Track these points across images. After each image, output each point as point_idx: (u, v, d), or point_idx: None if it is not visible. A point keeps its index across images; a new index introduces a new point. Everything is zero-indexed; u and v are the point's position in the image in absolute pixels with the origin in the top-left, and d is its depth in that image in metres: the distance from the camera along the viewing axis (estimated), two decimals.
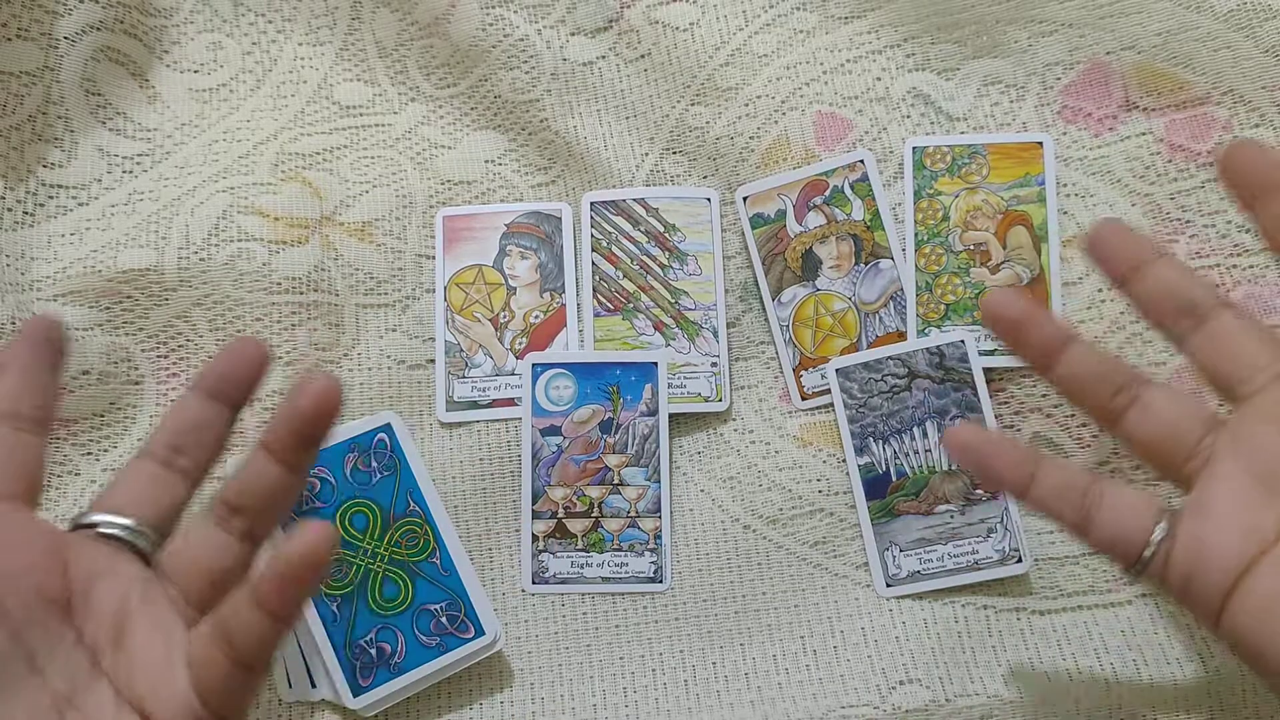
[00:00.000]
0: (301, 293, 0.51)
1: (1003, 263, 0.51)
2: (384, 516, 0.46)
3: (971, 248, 0.51)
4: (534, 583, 0.48)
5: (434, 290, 0.53)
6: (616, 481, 0.49)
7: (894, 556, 0.48)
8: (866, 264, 0.52)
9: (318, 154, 0.54)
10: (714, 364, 0.51)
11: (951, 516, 0.48)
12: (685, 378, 0.51)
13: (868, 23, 0.55)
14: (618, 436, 0.50)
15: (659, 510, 0.49)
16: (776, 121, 0.54)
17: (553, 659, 0.47)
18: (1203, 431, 0.35)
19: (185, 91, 0.54)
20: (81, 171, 0.52)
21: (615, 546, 0.48)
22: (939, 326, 0.51)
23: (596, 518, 0.49)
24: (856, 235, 0.52)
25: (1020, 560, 0.47)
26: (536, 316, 0.52)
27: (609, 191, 0.53)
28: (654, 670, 0.46)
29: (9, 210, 0.50)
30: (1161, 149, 0.52)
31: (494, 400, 0.51)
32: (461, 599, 0.45)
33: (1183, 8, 0.53)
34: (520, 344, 0.51)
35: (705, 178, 0.54)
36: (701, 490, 0.50)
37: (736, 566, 0.48)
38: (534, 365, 0.50)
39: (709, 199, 0.53)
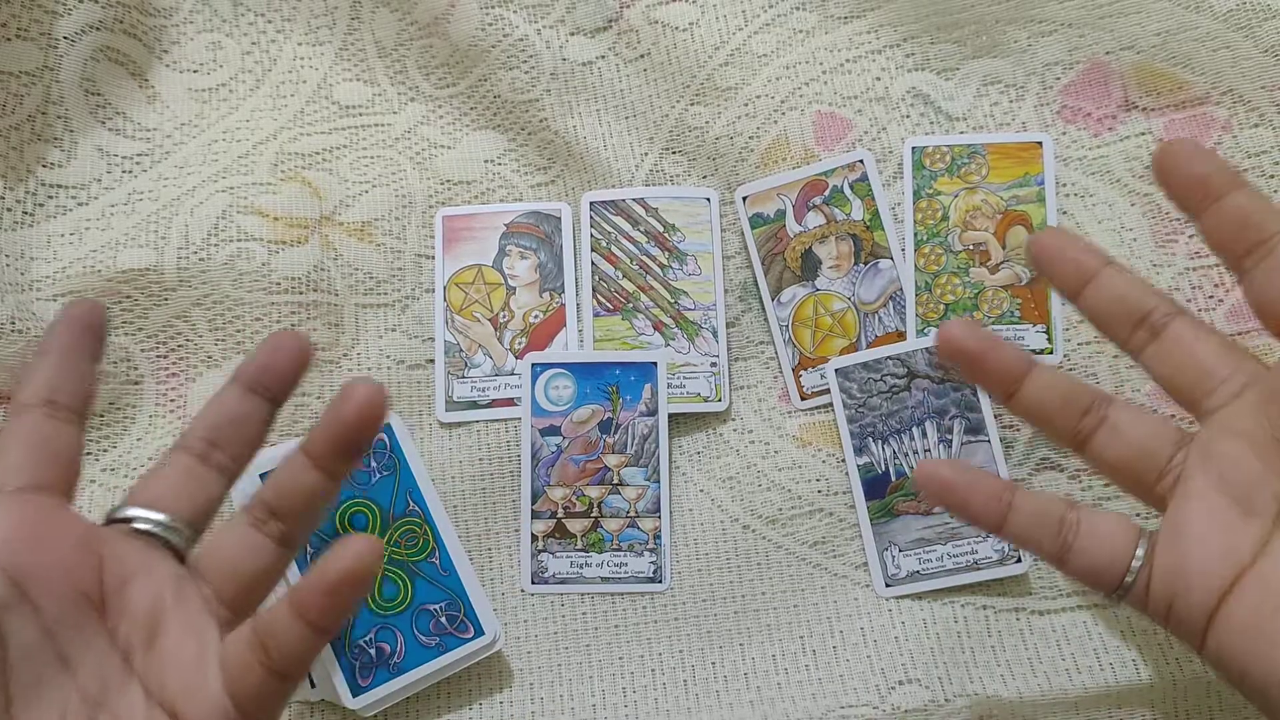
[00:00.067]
0: (301, 293, 0.51)
1: (1002, 263, 0.51)
2: (383, 516, 0.46)
3: (971, 248, 0.51)
4: (533, 583, 0.48)
5: (433, 290, 0.53)
6: (616, 481, 0.49)
7: (893, 556, 0.48)
8: (866, 264, 0.52)
9: (317, 154, 0.54)
10: (713, 364, 0.51)
11: (950, 516, 0.48)
12: (685, 378, 0.51)
13: (867, 23, 0.55)
14: (617, 436, 0.50)
15: (658, 510, 0.49)
16: (776, 121, 0.54)
17: (552, 659, 0.47)
18: (1172, 449, 0.34)
19: (185, 91, 0.54)
20: (81, 171, 0.52)
21: (615, 546, 0.49)
22: (938, 326, 0.51)
23: (596, 518, 0.49)
24: (856, 235, 0.52)
25: (1019, 560, 0.47)
26: (536, 316, 0.52)
27: (608, 191, 0.53)
28: (653, 670, 0.46)
29: (9, 210, 0.50)
30: None
31: (493, 400, 0.51)
32: (461, 599, 0.45)
33: (1182, 8, 0.53)
34: (520, 344, 0.52)
35: (705, 178, 0.54)
36: (701, 490, 0.50)
37: (736, 566, 0.48)
38: (533, 365, 0.50)
39: (708, 199, 0.53)
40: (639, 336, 0.51)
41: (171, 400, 0.50)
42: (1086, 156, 0.52)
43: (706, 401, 0.51)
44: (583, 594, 0.48)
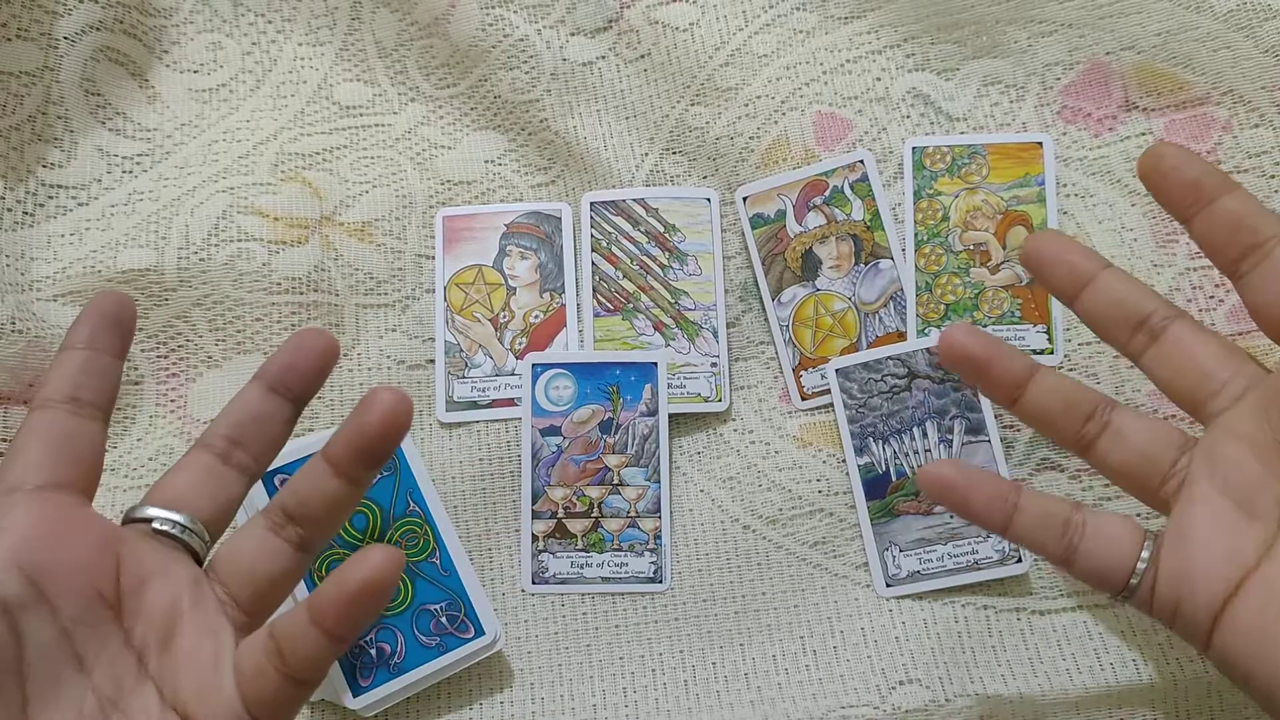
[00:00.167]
0: (301, 293, 0.51)
1: (1002, 263, 0.51)
2: (384, 517, 0.46)
3: (971, 248, 0.51)
4: (534, 583, 0.48)
5: (434, 290, 0.53)
6: (616, 481, 0.49)
7: (894, 556, 0.48)
8: (866, 264, 0.52)
9: (318, 154, 0.54)
10: (714, 364, 0.51)
11: (951, 516, 0.48)
12: (685, 378, 0.51)
13: (867, 23, 0.55)
14: (617, 436, 0.50)
15: (659, 510, 0.49)
16: (776, 122, 0.54)
17: (552, 659, 0.47)
18: (1176, 454, 0.34)
19: (185, 91, 0.54)
20: (81, 171, 0.52)
21: (615, 546, 0.48)
22: (939, 326, 0.51)
23: (596, 518, 0.49)
24: (856, 235, 0.52)
25: (1020, 560, 0.47)
26: (536, 316, 0.52)
27: (609, 191, 0.53)
28: (654, 670, 0.46)
29: (9, 210, 0.50)
30: None
31: (494, 400, 0.51)
32: (461, 599, 0.45)
33: (1183, 8, 0.53)
34: (520, 344, 0.51)
35: (705, 178, 0.54)
36: (701, 490, 0.50)
37: (736, 567, 0.48)
38: (534, 365, 0.50)
39: (709, 199, 0.53)
40: (639, 337, 0.51)
41: (171, 400, 0.50)
42: (1087, 157, 0.52)
43: (707, 402, 0.51)
44: (583, 594, 0.48)
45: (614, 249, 0.52)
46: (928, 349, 0.49)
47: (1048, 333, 0.50)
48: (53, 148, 0.52)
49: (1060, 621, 0.46)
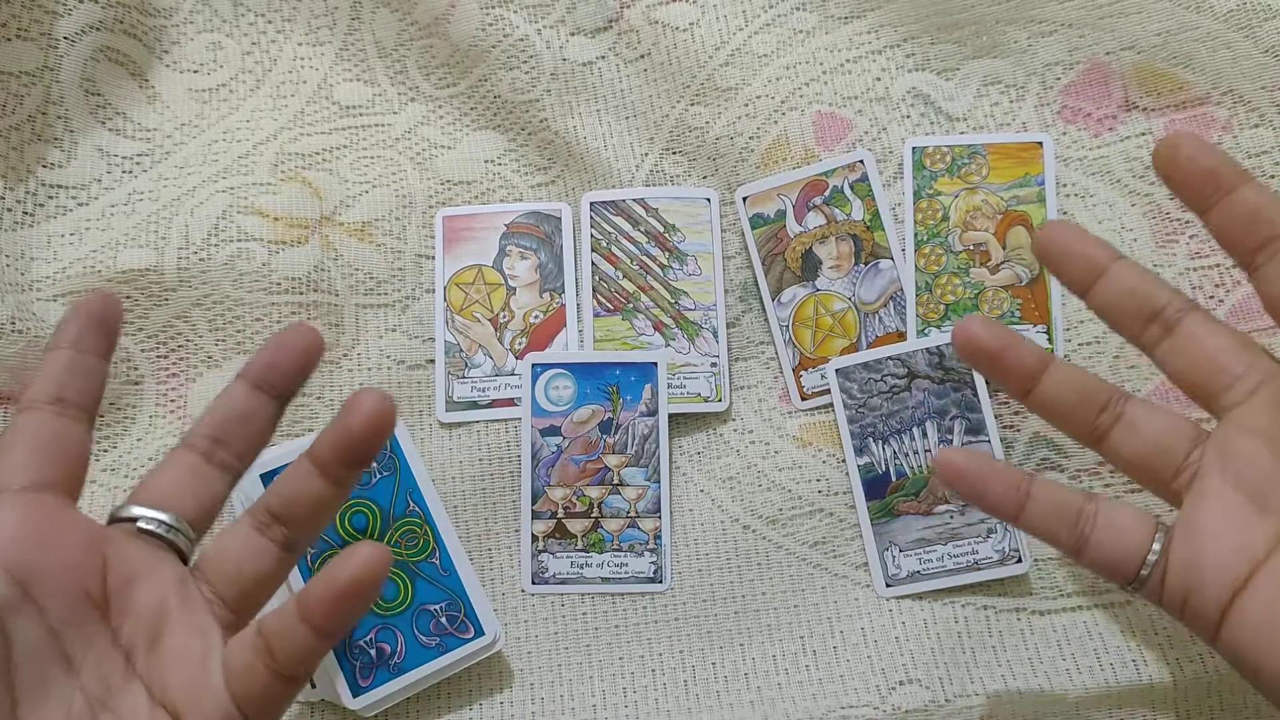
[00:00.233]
0: (301, 293, 0.51)
1: (1002, 263, 0.51)
2: (384, 517, 0.46)
3: (971, 248, 0.51)
4: (534, 583, 0.48)
5: (434, 290, 0.53)
6: (616, 482, 0.49)
7: (894, 556, 0.48)
8: (866, 264, 0.52)
9: (318, 154, 0.54)
10: (714, 364, 0.51)
11: (951, 517, 0.48)
12: (685, 378, 0.51)
13: (867, 23, 0.55)
14: (617, 437, 0.50)
15: (659, 510, 0.49)
16: (776, 121, 0.54)
17: (552, 659, 0.47)
18: (1189, 446, 0.34)
19: (185, 91, 0.54)
20: (81, 171, 0.52)
21: (615, 547, 0.48)
22: (939, 327, 0.51)
23: (596, 518, 0.49)
24: (856, 235, 0.52)
25: (1020, 560, 0.47)
26: (536, 316, 0.52)
27: (609, 191, 0.53)
28: (654, 670, 0.46)
29: (9, 210, 0.50)
30: None
31: (494, 400, 0.51)
32: (461, 599, 0.45)
33: (1183, 8, 0.53)
34: (520, 344, 0.51)
35: (705, 178, 0.54)
36: (701, 490, 0.50)
37: (736, 567, 0.48)
38: (534, 365, 0.50)
39: (709, 199, 0.53)
40: (639, 337, 0.51)
41: (171, 400, 0.50)
42: (1087, 157, 0.52)
43: (707, 402, 0.51)
44: (583, 594, 0.48)
45: (614, 249, 0.52)
46: (927, 349, 0.49)
47: (1048, 333, 0.50)
48: (53, 148, 0.52)
49: (1060, 621, 0.46)
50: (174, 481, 0.34)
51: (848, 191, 0.52)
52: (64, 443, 0.32)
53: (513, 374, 0.51)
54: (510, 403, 0.51)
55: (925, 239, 0.52)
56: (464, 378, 0.51)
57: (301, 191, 0.52)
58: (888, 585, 0.47)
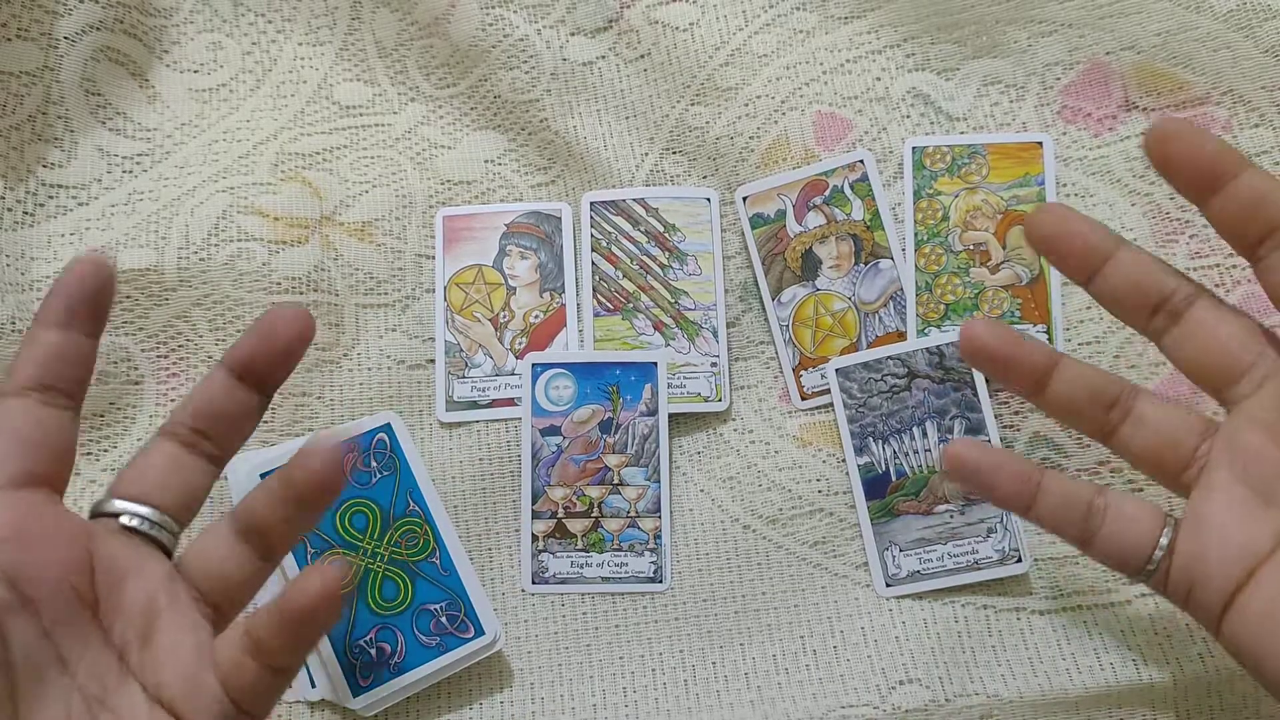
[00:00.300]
0: (301, 293, 0.51)
1: (1002, 263, 0.51)
2: (384, 516, 0.46)
3: (971, 248, 0.51)
4: (534, 583, 0.48)
5: (434, 290, 0.53)
6: (616, 481, 0.49)
7: (894, 556, 0.48)
8: (866, 264, 0.52)
9: (318, 154, 0.54)
10: (714, 364, 0.51)
11: (951, 516, 0.48)
12: (685, 378, 0.51)
13: (867, 23, 0.55)
14: (617, 436, 0.50)
15: (659, 510, 0.49)
16: (776, 121, 0.54)
17: (553, 659, 0.47)
18: (1198, 440, 0.34)
19: (185, 91, 0.54)
20: (81, 171, 0.52)
21: (615, 546, 0.48)
22: (939, 326, 0.51)
23: (596, 518, 0.49)
24: (856, 235, 0.52)
25: (1020, 560, 0.47)
26: (536, 316, 0.52)
27: (609, 191, 0.53)
28: (654, 670, 0.46)
29: (9, 210, 0.50)
30: None
31: (494, 400, 0.51)
32: (461, 599, 0.45)
33: (1183, 8, 0.53)
34: (520, 344, 0.51)
35: (705, 178, 0.54)
36: (701, 490, 0.50)
37: (736, 566, 0.48)
38: (534, 365, 0.50)
39: (709, 199, 0.53)
40: (639, 336, 0.51)
41: (171, 400, 0.50)
42: (1087, 157, 0.52)
43: (707, 401, 0.51)
44: (583, 594, 0.48)
45: (614, 249, 0.52)
46: (927, 348, 0.49)
47: (1048, 332, 0.50)
48: (53, 148, 0.52)
49: (1060, 621, 0.46)
50: (154, 472, 0.33)
51: (848, 191, 0.52)
52: (50, 434, 0.31)
53: (513, 374, 0.51)
54: (510, 402, 0.51)
55: (925, 239, 0.52)
56: (464, 377, 0.51)
57: (301, 191, 0.52)
58: (888, 585, 0.47)
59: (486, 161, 0.55)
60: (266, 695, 0.31)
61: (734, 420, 0.51)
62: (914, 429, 0.49)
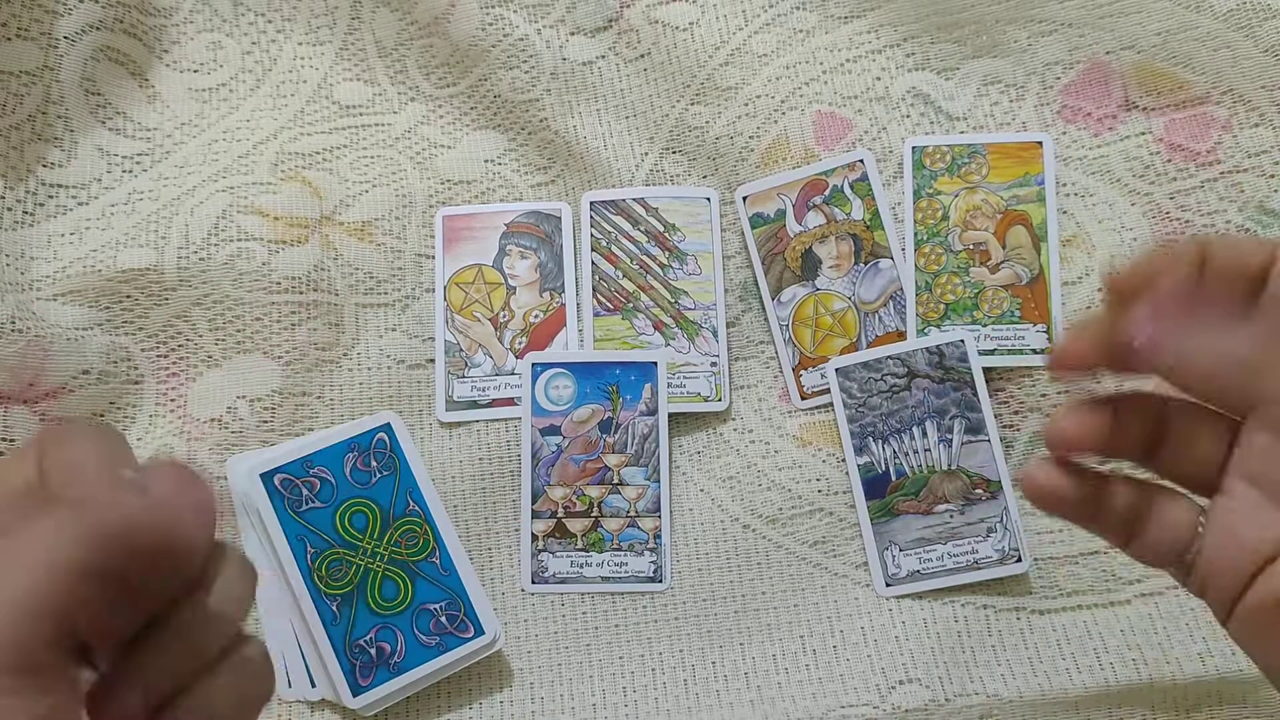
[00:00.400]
0: (301, 292, 0.51)
1: (1002, 262, 0.51)
2: (384, 516, 0.46)
3: (971, 247, 0.51)
4: (534, 582, 0.48)
5: (434, 290, 0.53)
6: (616, 481, 0.49)
7: (894, 556, 0.48)
8: (866, 263, 0.52)
9: (318, 154, 0.54)
10: (713, 364, 0.51)
11: (951, 516, 0.48)
12: (685, 377, 0.51)
13: (867, 22, 0.55)
14: (617, 436, 0.50)
15: (658, 510, 0.49)
16: (776, 121, 0.54)
17: (552, 658, 0.47)
18: (1226, 449, 0.34)
19: (185, 91, 0.54)
20: (81, 171, 0.52)
21: (615, 546, 0.48)
22: (938, 326, 0.51)
23: (596, 517, 0.49)
24: (856, 235, 0.52)
25: (1020, 560, 0.47)
26: (536, 316, 0.52)
27: (609, 191, 0.53)
28: (654, 670, 0.46)
29: (9, 210, 0.50)
30: (1161, 148, 0.52)
31: (494, 400, 0.51)
32: (461, 599, 0.45)
33: (1182, 7, 0.52)
34: (520, 343, 0.51)
35: (705, 177, 0.54)
36: (701, 490, 0.50)
37: (736, 566, 0.48)
38: (534, 365, 0.50)
39: (709, 199, 0.53)
40: (639, 336, 0.51)
41: (171, 400, 0.50)
42: (1087, 156, 0.52)
43: (706, 401, 0.51)
44: (583, 593, 0.48)
45: (614, 248, 0.52)
46: (927, 348, 0.49)
47: (1047, 332, 0.50)
48: (53, 147, 0.52)
49: (1060, 621, 0.46)
50: None
51: (848, 191, 0.52)
52: None
53: (513, 373, 0.51)
54: (510, 402, 0.51)
55: (925, 238, 0.52)
56: (464, 377, 0.51)
57: (301, 191, 0.52)
58: (888, 584, 0.47)
59: (486, 161, 0.55)
60: None
61: (734, 420, 0.51)
62: (914, 429, 0.49)
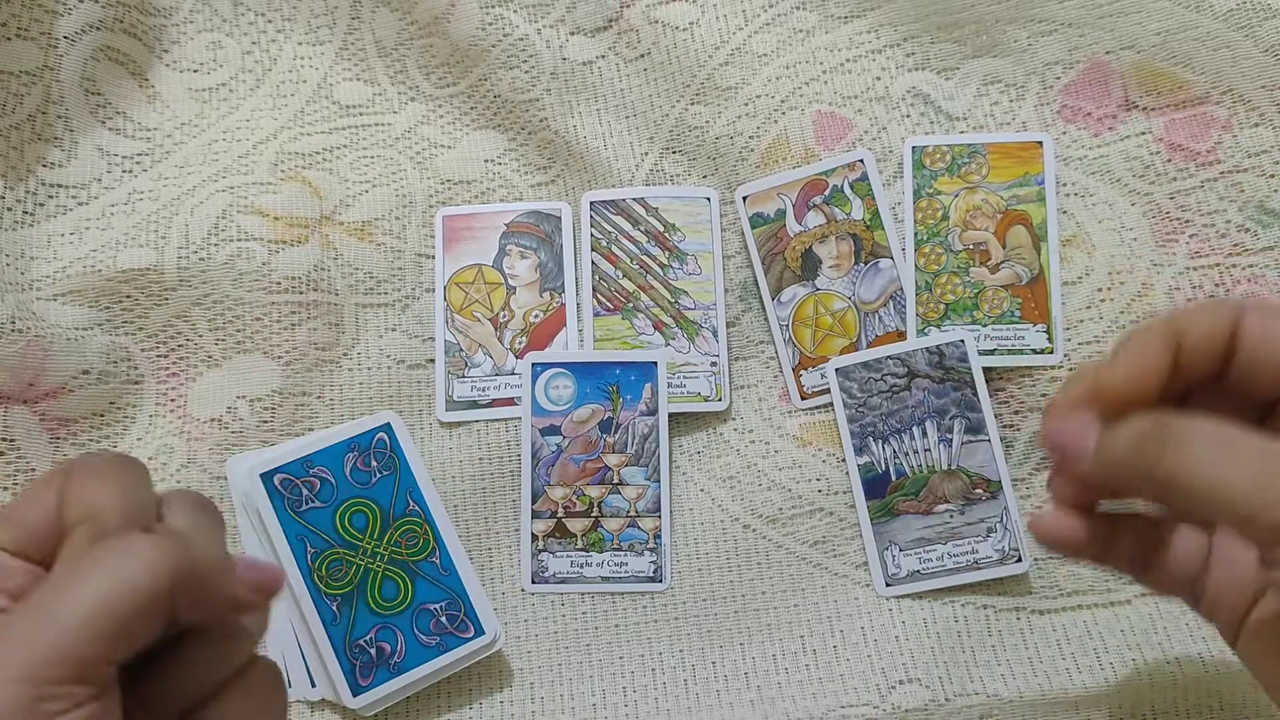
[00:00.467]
0: (301, 292, 0.51)
1: (1002, 262, 0.51)
2: (384, 516, 0.46)
3: (971, 247, 0.51)
4: (534, 582, 0.48)
5: (434, 290, 0.53)
6: (616, 481, 0.49)
7: (893, 556, 0.48)
8: (866, 263, 0.52)
9: (317, 153, 0.54)
10: (713, 363, 0.51)
11: (951, 516, 0.48)
12: (685, 377, 0.51)
13: (867, 22, 0.55)
14: (617, 436, 0.50)
15: (658, 510, 0.49)
16: (776, 121, 0.54)
17: (552, 659, 0.47)
18: None
19: (185, 91, 0.54)
20: (81, 171, 0.52)
21: (615, 546, 0.48)
22: (938, 326, 0.51)
23: (596, 517, 0.49)
24: (856, 235, 0.52)
25: (1020, 560, 0.47)
26: (536, 316, 0.52)
27: (609, 191, 0.53)
28: (654, 670, 0.46)
29: (9, 210, 0.50)
30: (1161, 148, 0.52)
31: (494, 400, 0.51)
32: (461, 599, 0.45)
33: (1182, 7, 0.52)
34: (520, 343, 0.51)
35: (705, 177, 0.54)
36: (701, 490, 0.50)
37: (736, 566, 0.48)
38: (534, 365, 0.50)
39: (709, 198, 0.53)
40: (639, 336, 0.51)
41: (171, 400, 0.50)
42: (1087, 156, 0.52)
43: (707, 401, 0.51)
44: (583, 594, 0.48)
45: (614, 248, 0.52)
46: (927, 348, 0.49)
47: (1047, 332, 0.50)
48: (53, 147, 0.52)
49: (1060, 621, 0.46)
50: None
51: (848, 191, 0.52)
52: None
53: (513, 373, 0.51)
54: (510, 402, 0.51)
55: (925, 238, 0.52)
56: (464, 377, 0.51)
57: (301, 191, 0.52)
58: (887, 584, 0.47)
59: (486, 161, 0.55)
60: None
61: (734, 420, 0.51)
62: (914, 429, 0.49)
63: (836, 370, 0.50)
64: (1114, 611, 0.46)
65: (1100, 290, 0.50)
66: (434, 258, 0.53)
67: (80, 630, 0.24)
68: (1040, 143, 0.52)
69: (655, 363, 0.50)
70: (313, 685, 0.45)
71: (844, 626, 0.47)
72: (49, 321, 0.48)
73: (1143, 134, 0.52)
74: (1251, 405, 0.31)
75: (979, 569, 0.47)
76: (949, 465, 0.48)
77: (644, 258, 0.52)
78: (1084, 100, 0.53)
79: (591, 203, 0.53)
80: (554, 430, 0.50)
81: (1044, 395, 0.49)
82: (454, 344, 0.52)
